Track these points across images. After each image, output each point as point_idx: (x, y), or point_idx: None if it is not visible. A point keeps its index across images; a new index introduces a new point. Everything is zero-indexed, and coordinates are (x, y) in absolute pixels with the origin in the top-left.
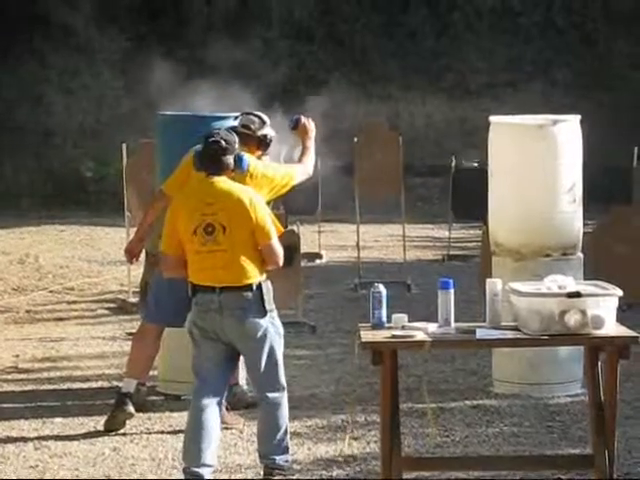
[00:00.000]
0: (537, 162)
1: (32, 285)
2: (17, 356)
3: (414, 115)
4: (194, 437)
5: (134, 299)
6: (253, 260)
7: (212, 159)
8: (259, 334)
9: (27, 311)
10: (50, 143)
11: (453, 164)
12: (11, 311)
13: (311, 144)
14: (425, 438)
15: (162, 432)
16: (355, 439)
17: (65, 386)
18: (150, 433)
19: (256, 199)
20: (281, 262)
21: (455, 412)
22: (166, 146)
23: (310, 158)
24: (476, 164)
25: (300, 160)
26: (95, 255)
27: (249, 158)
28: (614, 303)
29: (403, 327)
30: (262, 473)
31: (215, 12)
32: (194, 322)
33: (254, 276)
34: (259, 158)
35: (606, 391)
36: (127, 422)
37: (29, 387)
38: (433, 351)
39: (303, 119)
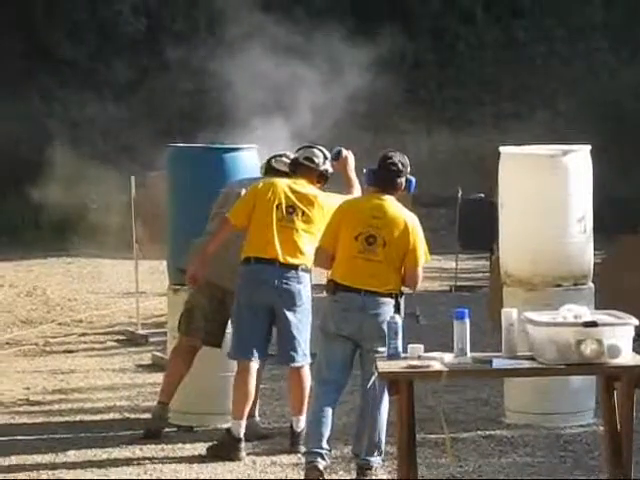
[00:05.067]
0: (548, 192)
1: (41, 318)
2: (28, 388)
3: (419, 146)
4: (317, 423)
5: (143, 331)
6: (398, 276)
7: (388, 178)
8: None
9: (36, 343)
10: (55, 176)
11: (459, 195)
12: (20, 343)
13: (353, 175)
14: (439, 468)
15: (175, 463)
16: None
17: (77, 418)
18: (164, 464)
19: (418, 227)
20: (418, 287)
21: (468, 442)
22: (177, 178)
23: (357, 189)
24: (482, 195)
25: (349, 192)
26: (102, 287)
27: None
28: (630, 332)
29: (419, 357)
30: (356, 473)
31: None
32: (329, 319)
33: (394, 289)
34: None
35: (622, 421)
36: (140, 452)
37: (41, 419)
38: (445, 381)
39: (344, 152)
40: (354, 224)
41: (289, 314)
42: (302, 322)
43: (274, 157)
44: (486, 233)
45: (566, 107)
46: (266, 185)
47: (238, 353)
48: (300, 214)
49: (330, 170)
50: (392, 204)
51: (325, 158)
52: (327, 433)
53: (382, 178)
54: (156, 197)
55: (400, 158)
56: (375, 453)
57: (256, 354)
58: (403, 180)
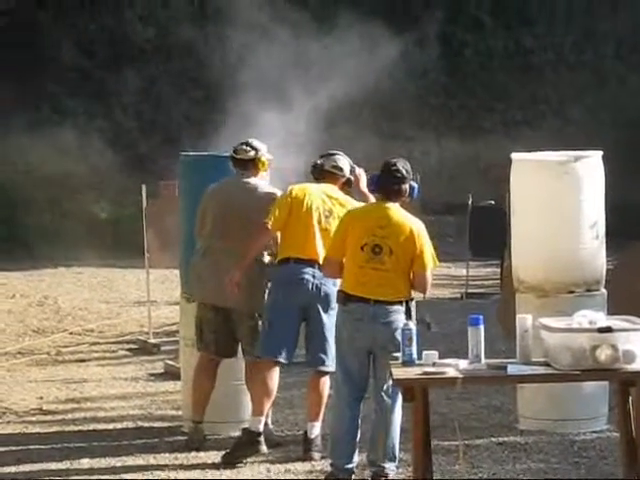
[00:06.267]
0: (560, 198)
1: (52, 327)
2: (41, 398)
3: (428, 153)
4: (340, 434)
5: (154, 340)
6: (407, 283)
7: (391, 185)
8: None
9: (48, 353)
10: (65, 185)
11: (470, 202)
12: (33, 353)
13: (367, 191)
14: (453, 475)
15: (189, 471)
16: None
17: (90, 427)
18: (177, 472)
19: (423, 232)
20: (428, 292)
21: (482, 449)
22: (189, 187)
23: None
24: (492, 202)
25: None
26: (113, 297)
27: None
28: None
29: (434, 364)
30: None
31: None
32: (342, 329)
33: (404, 296)
34: None
35: (637, 426)
36: (154, 461)
37: (54, 428)
38: (459, 388)
39: (357, 169)
40: (360, 234)
41: (324, 316)
42: (333, 326)
43: (236, 148)
44: (497, 240)
45: (575, 114)
46: (301, 189)
47: (266, 352)
48: (336, 217)
49: (352, 177)
50: (397, 211)
51: (350, 166)
52: (353, 448)
53: (385, 185)
54: (167, 206)
55: (403, 164)
56: (389, 460)
57: (284, 355)
58: (407, 186)
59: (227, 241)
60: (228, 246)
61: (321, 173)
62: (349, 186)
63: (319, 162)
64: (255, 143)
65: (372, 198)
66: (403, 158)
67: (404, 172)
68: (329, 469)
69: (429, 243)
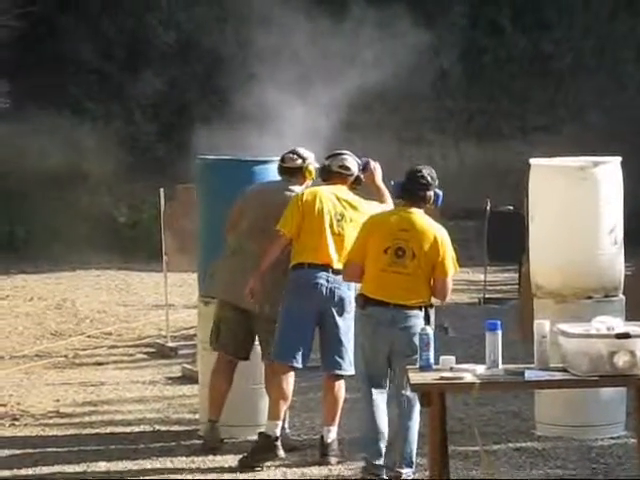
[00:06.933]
0: (578, 204)
1: (70, 330)
2: (58, 400)
3: (447, 158)
4: (372, 433)
5: (172, 343)
6: (427, 288)
7: (416, 191)
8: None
9: (66, 356)
10: (83, 188)
11: (488, 207)
12: (50, 356)
13: (382, 185)
14: None
15: (206, 474)
16: None
17: (107, 430)
18: (194, 475)
19: (446, 239)
20: (448, 298)
21: (499, 455)
22: (207, 190)
23: (388, 197)
24: (511, 207)
25: (381, 201)
26: (131, 300)
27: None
28: None
29: (451, 369)
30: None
31: (249, 55)
32: (362, 332)
33: (424, 302)
34: None
35: None
36: (171, 464)
37: (71, 431)
38: (477, 393)
39: (372, 163)
40: (383, 237)
41: (339, 320)
42: (349, 330)
43: (283, 154)
44: (515, 245)
45: (594, 119)
46: (312, 193)
47: (281, 356)
48: (348, 220)
49: (361, 176)
50: (420, 216)
51: (358, 165)
52: (383, 445)
53: (411, 191)
54: (185, 209)
55: (429, 171)
56: (407, 465)
57: (299, 359)
58: (431, 193)
59: (262, 244)
60: (261, 249)
61: (329, 174)
62: (358, 184)
63: (326, 163)
64: (302, 152)
65: (387, 192)
66: (428, 166)
67: (429, 179)
68: (363, 464)
69: (451, 249)
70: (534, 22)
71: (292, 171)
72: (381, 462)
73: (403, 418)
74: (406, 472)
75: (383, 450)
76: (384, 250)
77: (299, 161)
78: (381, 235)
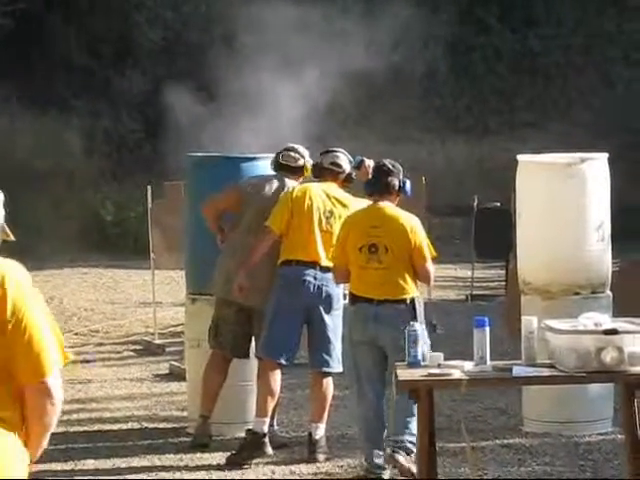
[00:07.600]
0: (565, 200)
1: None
2: None
3: (434, 155)
4: (368, 432)
5: (160, 341)
6: (409, 278)
7: (379, 180)
8: None
9: None
10: (70, 186)
11: (475, 204)
12: None
13: None
14: (458, 477)
15: (194, 472)
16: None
17: (95, 428)
18: (182, 473)
19: (417, 226)
20: (432, 282)
21: (486, 451)
22: (196, 187)
23: None
24: (498, 204)
25: None
26: (119, 297)
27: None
28: None
29: (439, 365)
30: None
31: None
32: (352, 329)
33: (409, 292)
34: None
35: None
36: (159, 462)
37: (59, 429)
38: (465, 390)
39: (366, 161)
40: (356, 237)
41: (326, 317)
42: (337, 327)
43: (282, 152)
44: (502, 242)
45: (581, 116)
46: (301, 190)
47: (267, 353)
48: (337, 218)
49: (353, 173)
50: (390, 210)
51: (350, 162)
52: (381, 444)
53: (375, 184)
54: (172, 207)
55: (392, 162)
56: (408, 433)
57: (285, 357)
58: (395, 181)
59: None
60: None
61: (320, 171)
62: (350, 182)
63: (318, 160)
64: (301, 150)
65: None
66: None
67: (391, 167)
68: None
69: (424, 235)
70: (522, 19)
71: (293, 169)
72: (381, 462)
73: (398, 413)
74: (408, 440)
75: (382, 450)
76: (359, 249)
77: (301, 161)
78: (355, 234)
